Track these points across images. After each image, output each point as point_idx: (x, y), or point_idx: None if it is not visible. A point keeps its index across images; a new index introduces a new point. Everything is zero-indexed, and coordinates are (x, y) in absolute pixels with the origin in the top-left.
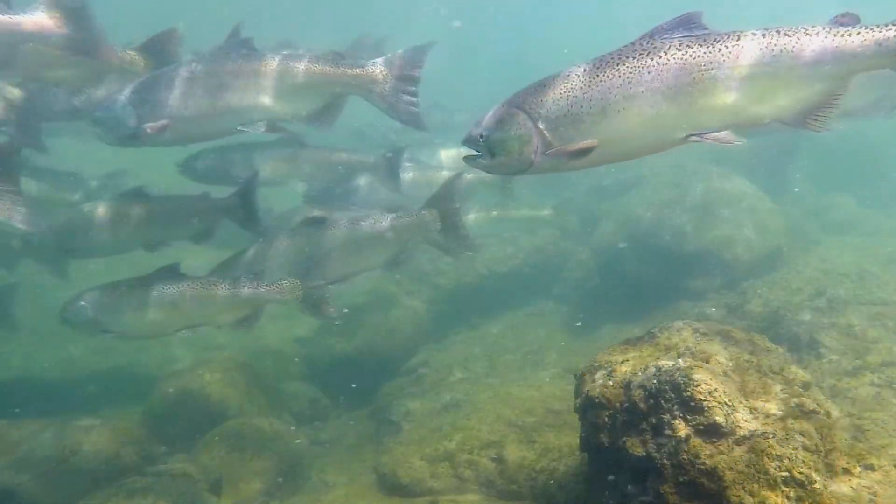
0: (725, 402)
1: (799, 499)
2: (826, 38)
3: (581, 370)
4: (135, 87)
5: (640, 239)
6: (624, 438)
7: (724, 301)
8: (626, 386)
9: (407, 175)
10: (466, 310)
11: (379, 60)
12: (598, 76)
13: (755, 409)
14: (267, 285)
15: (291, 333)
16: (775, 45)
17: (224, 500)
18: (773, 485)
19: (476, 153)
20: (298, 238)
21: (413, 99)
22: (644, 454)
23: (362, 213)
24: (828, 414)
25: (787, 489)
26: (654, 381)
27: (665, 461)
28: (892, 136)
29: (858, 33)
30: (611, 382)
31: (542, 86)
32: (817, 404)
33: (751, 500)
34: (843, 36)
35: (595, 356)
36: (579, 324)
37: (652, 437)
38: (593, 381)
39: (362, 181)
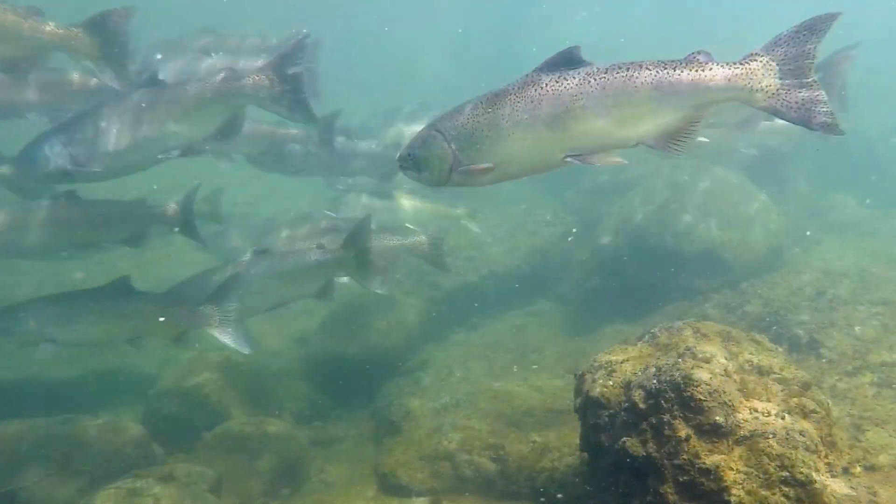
0: (725, 403)
1: (799, 499)
2: (682, 72)
3: (581, 370)
4: (61, 127)
5: (639, 239)
6: (624, 438)
7: (724, 301)
8: (626, 386)
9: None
10: (466, 310)
11: (264, 66)
12: (494, 104)
13: (755, 410)
14: (190, 309)
15: (291, 333)
16: (636, 77)
17: (224, 500)
18: (773, 485)
19: (408, 168)
20: (235, 268)
21: (300, 96)
22: (644, 454)
23: (291, 249)
24: (828, 414)
25: (787, 489)
26: (654, 381)
27: (665, 461)
28: (892, 137)
29: (711, 69)
30: (611, 382)
31: (457, 111)
32: (817, 404)
33: (751, 500)
34: (697, 70)
35: (595, 356)
36: (579, 324)
37: (652, 437)
38: (593, 381)
39: (293, 152)
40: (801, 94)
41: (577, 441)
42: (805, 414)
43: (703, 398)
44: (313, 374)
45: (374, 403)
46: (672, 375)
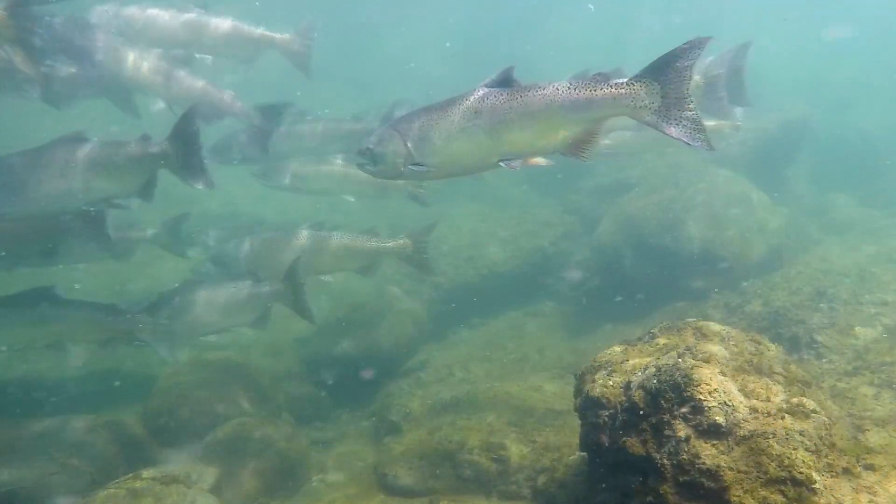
0: (725, 402)
1: (799, 499)
2: (582, 92)
3: (581, 370)
4: None
5: (640, 239)
6: (624, 438)
7: (724, 301)
8: (626, 386)
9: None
10: (466, 310)
11: (169, 134)
12: (445, 112)
13: (755, 410)
14: (128, 316)
15: (291, 333)
16: (551, 96)
17: (224, 500)
18: (772, 485)
19: (365, 161)
20: (188, 292)
21: (194, 162)
22: (644, 454)
23: (232, 281)
24: (828, 414)
25: (786, 489)
26: (654, 381)
27: (665, 461)
28: (892, 137)
29: (602, 89)
30: (611, 382)
31: (414, 115)
32: (817, 404)
33: (751, 500)
34: (592, 90)
35: (595, 356)
36: (579, 324)
37: (652, 437)
38: (593, 381)
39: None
40: (680, 112)
41: (577, 441)
42: (805, 414)
43: (703, 398)
44: (313, 374)
45: (374, 403)
46: (672, 375)
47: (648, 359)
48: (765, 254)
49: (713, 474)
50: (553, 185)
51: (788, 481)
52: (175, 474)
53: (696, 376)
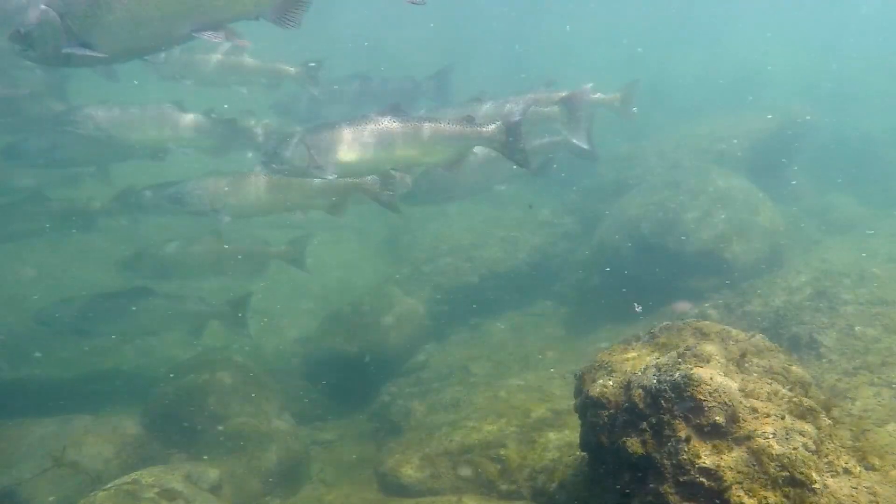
0: (725, 402)
1: (799, 499)
2: (456, 127)
3: (581, 370)
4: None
5: (639, 239)
6: (624, 438)
7: (724, 301)
8: (626, 386)
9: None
10: (466, 310)
11: None
12: (347, 129)
13: (755, 409)
14: None
15: (291, 333)
16: (433, 128)
17: (224, 500)
18: (772, 485)
19: (271, 161)
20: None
21: None
22: (644, 454)
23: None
24: (828, 414)
25: (787, 489)
26: (654, 381)
27: (665, 461)
28: (892, 136)
29: (470, 127)
30: (611, 382)
31: (317, 129)
32: (817, 404)
33: (751, 500)
34: (463, 127)
35: (595, 356)
36: (579, 324)
37: (652, 437)
38: (593, 380)
39: None
40: (517, 145)
41: (577, 441)
42: (805, 414)
43: (703, 398)
44: (313, 374)
45: (374, 403)
46: (672, 375)
47: (648, 359)
48: (765, 254)
49: (713, 474)
50: (553, 184)
51: (788, 481)
52: (175, 474)
53: (696, 376)
